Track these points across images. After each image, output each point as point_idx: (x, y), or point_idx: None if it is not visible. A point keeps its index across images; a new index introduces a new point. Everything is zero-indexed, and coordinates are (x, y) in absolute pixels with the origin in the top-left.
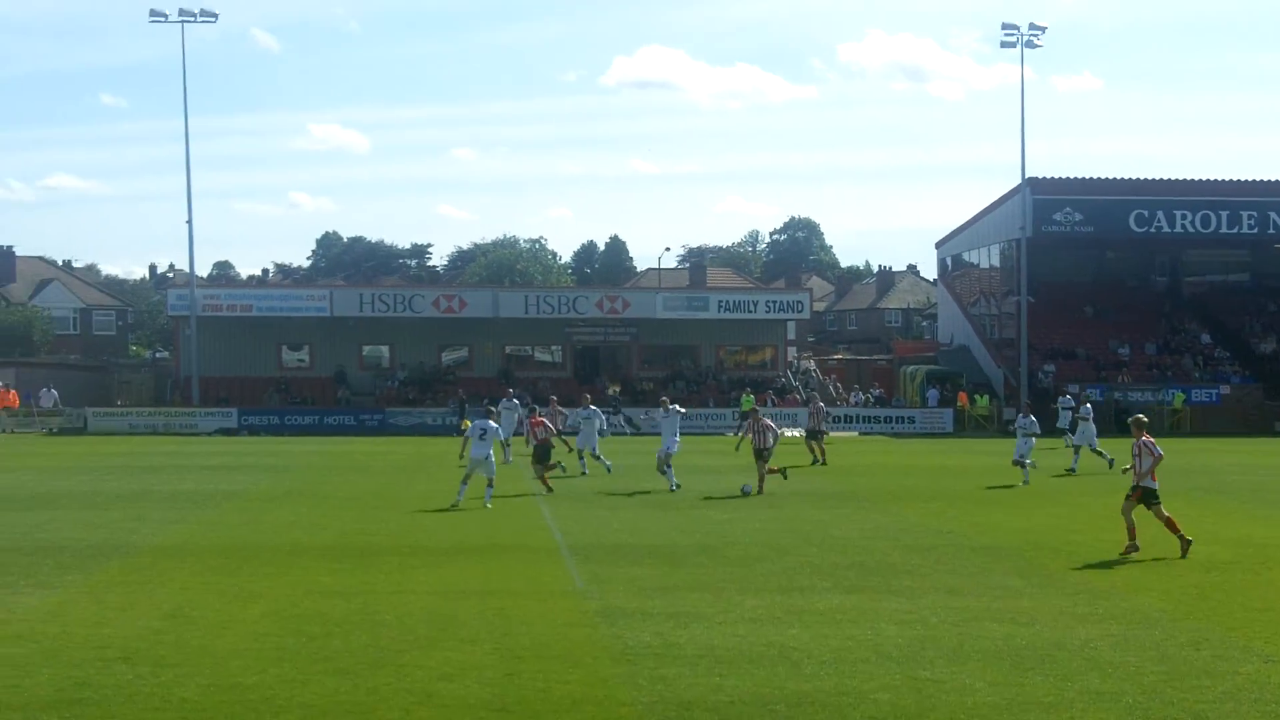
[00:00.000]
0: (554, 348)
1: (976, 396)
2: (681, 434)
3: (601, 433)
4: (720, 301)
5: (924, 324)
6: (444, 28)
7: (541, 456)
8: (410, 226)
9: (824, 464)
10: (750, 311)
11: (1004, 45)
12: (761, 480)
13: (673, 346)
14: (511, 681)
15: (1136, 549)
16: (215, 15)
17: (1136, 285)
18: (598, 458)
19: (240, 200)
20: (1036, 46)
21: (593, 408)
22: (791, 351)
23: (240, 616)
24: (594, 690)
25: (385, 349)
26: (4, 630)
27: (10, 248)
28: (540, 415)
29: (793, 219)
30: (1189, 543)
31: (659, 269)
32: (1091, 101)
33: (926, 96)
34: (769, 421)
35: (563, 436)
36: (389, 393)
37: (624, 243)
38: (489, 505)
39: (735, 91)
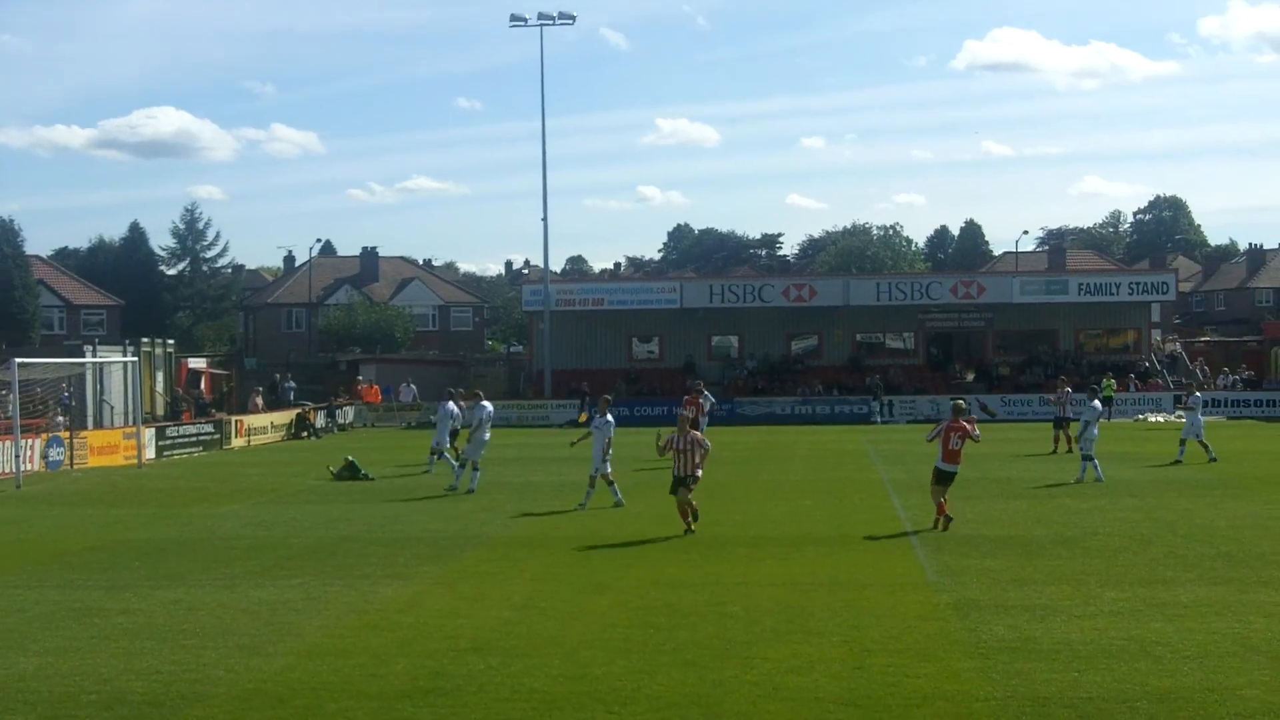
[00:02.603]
0: (906, 335)
1: None
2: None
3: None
4: (1080, 284)
5: None
6: (791, 21)
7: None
8: (760, 217)
9: (1059, 453)
10: (1112, 294)
11: None
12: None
13: (1030, 331)
14: (861, 675)
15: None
16: (573, 17)
17: None
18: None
19: (591, 196)
20: None
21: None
22: (1156, 334)
23: (589, 608)
24: (946, 685)
25: (734, 339)
26: (363, 620)
27: (374, 249)
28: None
29: (1158, 198)
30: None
31: (1015, 253)
32: None
33: None
34: None
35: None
36: (737, 383)
37: (979, 227)
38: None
39: (1091, 70)
